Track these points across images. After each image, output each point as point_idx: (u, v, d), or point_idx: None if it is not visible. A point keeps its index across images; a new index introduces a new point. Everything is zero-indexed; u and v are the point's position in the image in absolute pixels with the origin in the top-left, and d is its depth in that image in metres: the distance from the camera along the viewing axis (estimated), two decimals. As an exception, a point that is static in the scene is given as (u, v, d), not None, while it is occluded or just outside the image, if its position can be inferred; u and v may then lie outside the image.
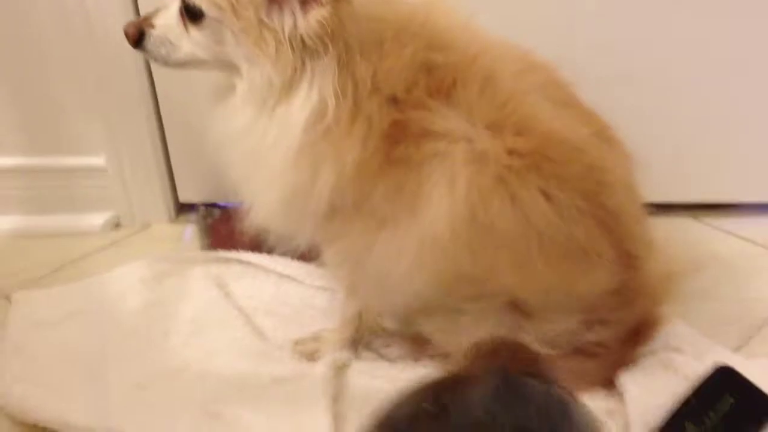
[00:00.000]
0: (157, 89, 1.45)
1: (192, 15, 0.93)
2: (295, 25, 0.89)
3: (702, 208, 1.51)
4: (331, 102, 0.92)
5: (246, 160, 1.01)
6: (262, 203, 1.01)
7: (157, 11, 0.97)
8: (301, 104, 0.93)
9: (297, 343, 1.21)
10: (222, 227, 1.52)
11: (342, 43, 0.91)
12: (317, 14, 0.88)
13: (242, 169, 1.02)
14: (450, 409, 0.47)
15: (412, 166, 0.93)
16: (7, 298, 1.34)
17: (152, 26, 0.97)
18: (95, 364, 1.18)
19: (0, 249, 1.49)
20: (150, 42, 0.97)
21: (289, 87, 0.93)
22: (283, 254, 1.41)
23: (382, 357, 1.19)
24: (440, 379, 0.55)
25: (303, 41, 0.90)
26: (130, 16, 1.33)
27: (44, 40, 1.36)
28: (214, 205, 1.58)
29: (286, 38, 0.90)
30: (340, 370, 1.16)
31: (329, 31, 0.89)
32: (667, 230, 1.16)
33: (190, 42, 0.96)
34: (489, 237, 0.93)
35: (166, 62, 0.99)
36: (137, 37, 0.97)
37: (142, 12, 1.33)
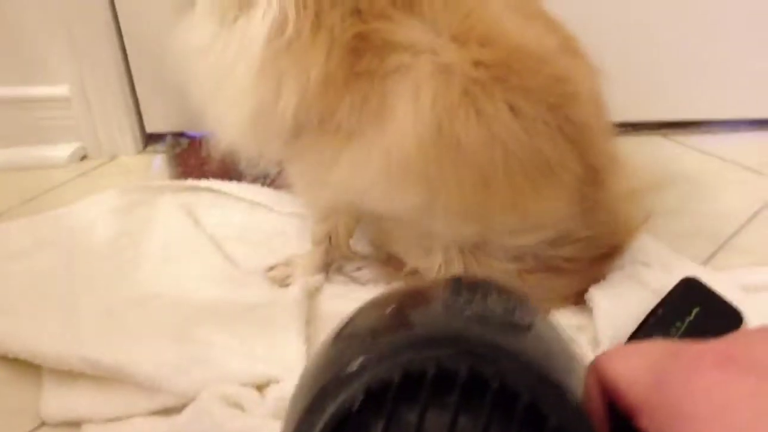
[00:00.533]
0: (119, 15, 1.41)
1: None
2: None
3: (671, 126, 1.52)
4: (291, 14, 0.90)
5: (207, 79, 1.00)
6: (226, 123, 1.00)
7: None
8: (262, 16, 0.91)
9: (269, 269, 1.21)
10: (191, 157, 1.51)
11: None
12: None
13: (204, 89, 1.01)
14: (411, 317, 0.45)
15: (377, 78, 0.92)
16: (-26, 231, 1.33)
17: None
18: (65, 293, 1.17)
19: (-36, 184, 1.47)
20: None
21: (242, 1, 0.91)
22: (254, 182, 1.41)
23: (355, 280, 1.20)
24: (400, 290, 0.54)
25: None
26: None
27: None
28: (182, 135, 1.56)
29: None
30: (312, 294, 1.16)
31: None
32: (635, 148, 1.16)
33: None
34: (455, 150, 0.92)
35: None
36: None
37: None
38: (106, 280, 1.19)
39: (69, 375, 1.02)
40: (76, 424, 0.99)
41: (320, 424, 0.38)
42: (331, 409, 0.38)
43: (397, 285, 0.76)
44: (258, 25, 0.91)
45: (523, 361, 0.38)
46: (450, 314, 0.42)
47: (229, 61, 0.94)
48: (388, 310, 0.46)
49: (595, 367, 0.38)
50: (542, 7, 1.00)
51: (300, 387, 0.43)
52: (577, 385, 0.38)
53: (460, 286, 0.45)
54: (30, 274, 1.21)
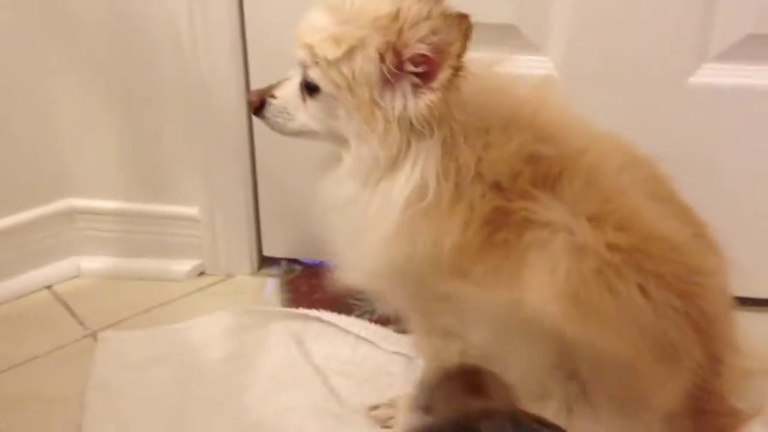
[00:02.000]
0: (256, 150, 1.51)
1: (310, 89, 0.98)
2: (405, 107, 0.92)
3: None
4: (432, 183, 0.94)
5: (347, 229, 1.04)
6: (358, 271, 1.04)
7: (279, 83, 1.02)
8: (404, 182, 0.96)
9: (372, 408, 1.23)
10: (302, 284, 1.56)
11: (448, 128, 0.94)
12: (427, 98, 0.91)
13: (343, 237, 1.06)
14: None
15: (512, 251, 0.95)
16: (94, 336, 1.40)
17: (273, 96, 1.02)
18: (177, 409, 1.22)
19: (90, 288, 1.55)
20: (269, 110, 1.02)
21: (393, 164, 0.96)
22: (361, 316, 1.44)
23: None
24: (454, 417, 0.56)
25: (411, 123, 0.93)
26: (242, 83, 1.42)
27: (161, 98, 1.44)
28: (296, 261, 1.62)
29: (396, 118, 0.93)
30: (414, 440, 1.17)
31: (437, 115, 0.92)
32: (752, 325, 1.15)
33: (305, 114, 1.00)
34: (592, 316, 0.93)
35: (282, 130, 1.03)
36: (258, 105, 1.02)
37: (252, 79, 1.42)
38: (215, 403, 1.24)
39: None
40: None
41: None
42: None
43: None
44: (400, 189, 0.96)
45: None
46: None
47: (369, 217, 0.99)
48: None
49: None
50: (676, 191, 1.02)
51: None
52: None
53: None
54: (144, 387, 1.27)
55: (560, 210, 0.94)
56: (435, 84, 0.90)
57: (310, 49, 0.94)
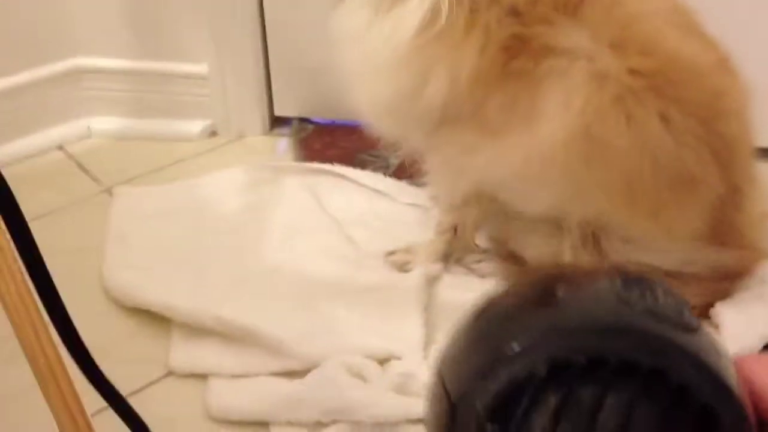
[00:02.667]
0: (264, 4, 1.47)
1: None
2: None
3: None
4: (444, 7, 0.92)
5: (357, 63, 1.03)
6: (371, 102, 1.03)
7: None
8: (415, 7, 0.94)
9: (389, 253, 1.23)
10: (315, 142, 1.55)
11: None
12: None
13: (352, 72, 1.04)
14: (561, 298, 0.46)
15: (530, 80, 0.94)
16: (109, 192, 1.40)
17: None
18: (194, 257, 1.23)
19: (101, 148, 1.55)
20: None
21: None
22: (376, 170, 1.44)
23: (473, 272, 1.21)
24: (550, 272, 0.55)
25: None
26: None
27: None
28: (308, 121, 1.60)
29: None
30: (431, 282, 1.18)
31: None
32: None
33: None
34: (601, 152, 0.93)
35: None
36: None
37: None
38: (232, 251, 1.24)
39: (198, 330, 1.07)
40: (202, 376, 1.03)
41: (494, 389, 0.39)
42: (505, 376, 0.39)
43: (555, 265, 0.77)
44: (411, 14, 0.94)
45: (700, 361, 0.39)
46: (625, 306, 0.43)
47: (379, 44, 0.98)
48: (561, 291, 0.47)
49: (740, 371, 0.39)
50: (700, 23, 1.00)
51: (466, 349, 0.45)
52: (738, 387, 0.40)
53: (629, 279, 0.46)
54: (162, 236, 1.27)
55: (581, 36, 0.92)
56: None
57: None
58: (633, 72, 0.92)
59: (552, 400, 0.38)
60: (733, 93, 0.98)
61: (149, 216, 1.32)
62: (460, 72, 0.94)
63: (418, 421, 0.94)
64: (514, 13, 0.93)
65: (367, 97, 1.04)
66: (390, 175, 1.42)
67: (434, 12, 0.93)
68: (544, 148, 0.93)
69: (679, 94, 0.93)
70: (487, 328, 0.46)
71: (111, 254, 1.24)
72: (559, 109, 0.93)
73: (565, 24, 0.93)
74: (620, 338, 0.39)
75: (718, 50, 1.00)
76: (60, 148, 1.53)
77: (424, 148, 1.11)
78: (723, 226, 1.03)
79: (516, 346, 0.41)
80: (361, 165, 1.45)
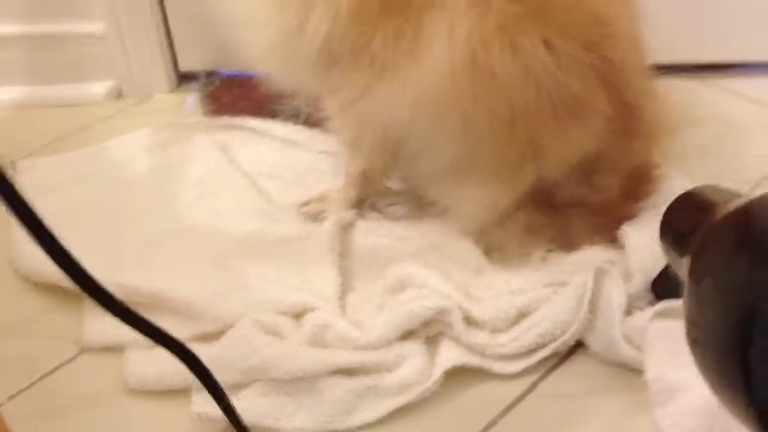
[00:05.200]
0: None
1: None
2: None
3: (708, 69, 1.50)
4: None
5: (235, 4, 1.01)
6: (256, 47, 1.01)
7: None
8: None
9: (302, 204, 1.23)
10: (224, 95, 1.52)
11: None
12: None
13: (234, 14, 1.02)
14: None
15: (412, 12, 0.92)
16: (14, 165, 1.35)
17: None
18: (104, 225, 1.20)
19: (3, 119, 1.50)
20: None
21: None
22: (287, 120, 1.41)
23: (387, 216, 1.21)
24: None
25: None
26: None
27: None
28: (215, 74, 1.56)
29: None
30: (345, 229, 1.17)
31: None
32: (671, 90, 1.15)
33: None
34: (489, 82, 0.92)
35: None
36: None
37: None
38: (144, 214, 1.22)
39: (110, 302, 1.05)
40: (117, 349, 1.01)
41: None
42: None
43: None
44: None
45: None
46: None
47: None
48: None
49: None
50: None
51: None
52: None
53: None
54: (70, 206, 1.24)
55: None
56: None
57: None
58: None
59: None
60: (616, 15, 0.97)
61: (56, 187, 1.29)
62: (339, 8, 0.92)
63: (337, 371, 0.94)
64: None
65: (251, 42, 1.02)
66: (302, 124, 1.40)
67: None
68: (431, 81, 0.92)
69: (560, 19, 0.92)
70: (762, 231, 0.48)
71: (18, 229, 1.20)
72: (443, 40, 0.91)
73: None
74: None
75: None
76: (-43, 122, 1.48)
77: (320, 94, 1.09)
78: (621, 142, 1.04)
79: None
80: (272, 115, 1.43)
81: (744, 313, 0.45)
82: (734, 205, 0.53)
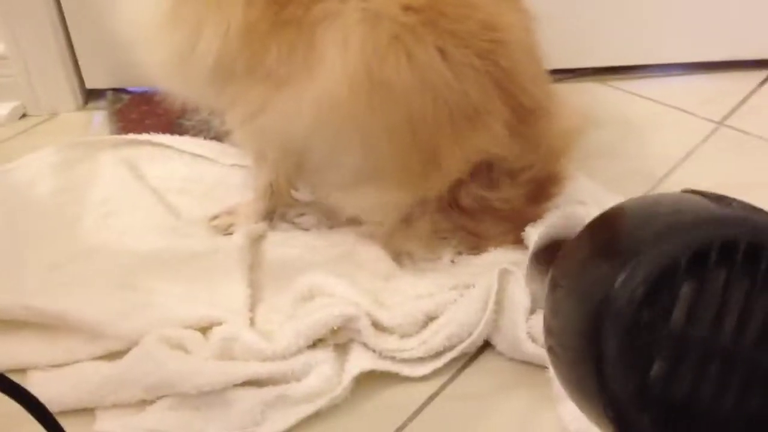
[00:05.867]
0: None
1: None
2: None
3: (607, 71, 1.54)
4: None
5: (127, 22, 1.00)
6: (151, 65, 1.01)
7: None
8: None
9: (212, 218, 1.22)
10: (132, 112, 1.50)
11: None
12: None
13: (128, 31, 1.01)
14: (669, 211, 0.53)
15: (304, 27, 0.92)
16: None
17: None
18: (8, 248, 1.17)
19: None
20: None
21: None
22: (196, 135, 1.40)
23: (298, 227, 1.21)
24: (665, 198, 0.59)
25: None
26: None
27: None
28: (123, 91, 1.54)
29: None
30: (255, 241, 1.17)
31: None
32: (572, 93, 1.18)
33: None
34: (385, 93, 0.93)
35: None
36: None
37: None
38: (49, 236, 1.19)
39: (13, 324, 1.02)
40: (21, 370, 0.99)
41: (640, 276, 0.47)
42: (649, 266, 0.47)
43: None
44: None
45: None
46: (727, 206, 0.51)
47: (141, 9, 0.95)
48: (662, 209, 0.52)
49: None
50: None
51: (601, 246, 0.53)
52: None
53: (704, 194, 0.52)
54: (-30, 230, 1.20)
55: None
56: None
57: None
58: (406, 8, 0.92)
59: (690, 288, 0.47)
60: (508, 22, 0.99)
61: (-44, 211, 1.25)
62: (229, 27, 0.93)
63: (245, 384, 0.94)
64: None
65: (147, 61, 1.01)
66: (211, 138, 1.40)
67: None
68: (327, 94, 0.93)
69: (453, 28, 0.94)
70: (615, 234, 0.52)
71: None
72: (337, 52, 0.92)
73: None
74: (741, 227, 0.48)
75: None
76: None
77: (220, 109, 1.09)
78: (521, 144, 1.05)
79: (658, 241, 0.48)
80: (181, 131, 1.42)
81: (594, 315, 0.48)
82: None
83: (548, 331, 0.56)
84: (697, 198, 0.54)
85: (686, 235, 0.48)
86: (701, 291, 0.47)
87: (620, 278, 0.48)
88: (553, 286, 0.56)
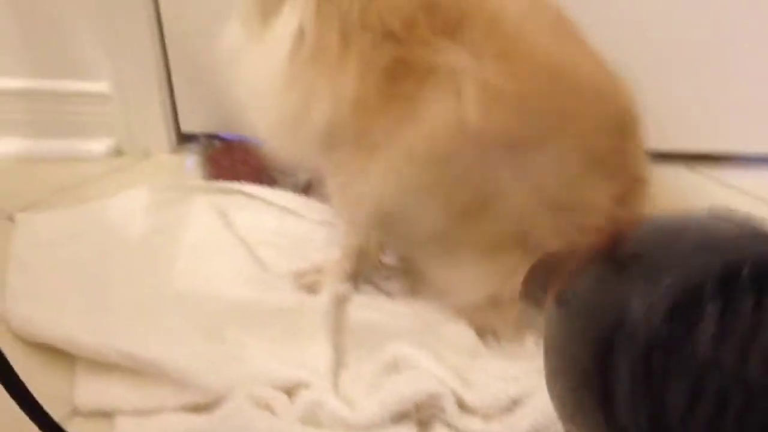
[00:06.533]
0: (162, 15, 1.45)
1: None
2: None
3: (697, 158, 1.53)
4: (311, 27, 0.93)
5: (241, 83, 1.03)
6: (260, 124, 1.04)
7: None
8: (282, 29, 0.95)
9: (298, 274, 1.23)
10: (223, 158, 1.53)
11: None
12: None
13: (240, 93, 1.04)
14: (694, 229, 0.50)
15: (414, 101, 0.94)
16: (11, 218, 1.36)
17: None
18: (99, 285, 1.20)
19: (2, 171, 1.50)
20: None
21: (268, 10, 0.96)
22: (285, 187, 1.43)
23: (382, 291, 1.22)
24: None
25: None
26: None
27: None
28: (216, 137, 1.58)
29: None
30: (340, 302, 1.18)
31: None
32: (659, 178, 1.18)
33: None
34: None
35: None
36: None
37: None
38: (139, 276, 1.22)
39: (103, 365, 1.05)
40: (108, 414, 1.01)
41: (662, 293, 0.43)
42: (673, 284, 0.43)
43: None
44: (280, 37, 0.95)
45: None
46: (760, 228, 0.48)
47: (258, 69, 0.98)
48: (689, 232, 0.49)
49: None
50: (583, 36, 1.02)
51: (611, 277, 0.47)
52: None
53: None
54: (64, 264, 1.24)
55: (463, 54, 0.93)
56: None
57: None
58: (512, 76, 0.94)
59: (716, 309, 0.42)
60: (623, 104, 1.00)
61: (52, 243, 1.29)
62: (342, 98, 0.95)
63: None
64: (393, 38, 0.94)
65: (256, 119, 1.04)
66: (299, 192, 1.42)
67: (301, 33, 0.94)
68: (417, 160, 0.95)
69: (563, 107, 0.95)
70: (636, 250, 0.48)
71: (12, 285, 1.20)
72: (449, 104, 0.94)
73: (445, 45, 0.94)
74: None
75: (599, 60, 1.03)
76: (-42, 172, 1.49)
77: (321, 171, 1.11)
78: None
79: (683, 258, 0.43)
80: (270, 181, 1.44)
81: (605, 334, 0.45)
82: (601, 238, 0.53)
83: (547, 351, 0.52)
84: (727, 218, 0.51)
85: (715, 254, 0.44)
86: (728, 313, 0.42)
87: (639, 295, 0.43)
88: (559, 302, 0.52)
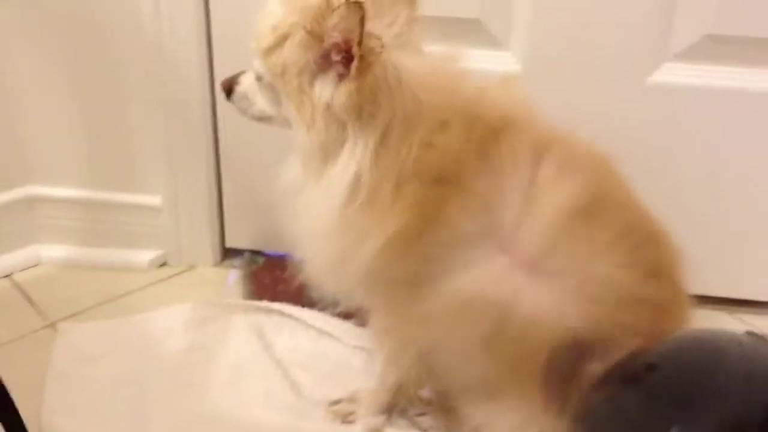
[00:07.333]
0: (219, 139, 1.51)
1: (258, 77, 1.02)
2: (331, 96, 0.94)
3: (737, 304, 1.52)
4: (366, 179, 0.95)
5: (298, 217, 1.06)
6: (312, 262, 1.06)
7: (244, 71, 1.06)
8: (340, 175, 0.97)
9: (333, 402, 1.23)
10: (265, 275, 1.56)
11: (384, 122, 0.94)
12: (345, 87, 0.92)
13: (296, 225, 1.07)
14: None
15: (455, 243, 0.96)
16: (53, 326, 1.38)
17: (238, 83, 1.07)
18: (136, 401, 1.21)
19: (49, 277, 1.54)
20: (235, 96, 1.08)
21: (327, 154, 0.98)
22: (323, 309, 1.44)
23: (415, 425, 1.21)
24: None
25: (341, 112, 0.94)
26: (206, 71, 1.43)
27: (124, 85, 1.44)
28: (259, 253, 1.61)
29: (322, 106, 0.95)
30: (373, 434, 1.18)
31: (357, 104, 0.92)
32: (698, 322, 1.17)
33: (261, 99, 1.05)
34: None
35: (245, 114, 1.09)
36: (227, 91, 1.08)
37: (216, 67, 1.43)
38: (176, 395, 1.23)
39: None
40: None
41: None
42: (715, 420, 0.43)
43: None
44: (337, 182, 0.97)
45: None
46: None
47: (314, 210, 1.01)
48: (745, 354, 0.48)
49: None
50: (633, 192, 1.03)
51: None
52: None
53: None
54: (103, 378, 1.26)
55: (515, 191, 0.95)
56: (349, 72, 0.91)
57: (257, 38, 0.98)
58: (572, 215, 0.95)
59: None
60: (654, 232, 1.01)
61: (92, 356, 1.31)
62: (389, 238, 0.96)
63: None
64: (443, 182, 0.95)
65: (306, 255, 1.06)
66: (337, 315, 1.43)
67: (358, 182, 0.96)
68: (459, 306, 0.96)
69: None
70: (673, 376, 0.46)
71: (50, 395, 1.22)
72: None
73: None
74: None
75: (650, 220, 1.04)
76: (7, 276, 1.52)
77: (367, 309, 1.12)
78: None
79: (725, 393, 0.42)
80: (310, 302, 1.45)
81: None
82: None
83: None
84: (763, 344, 0.49)
85: (759, 393, 0.43)
86: None
87: (678, 427, 0.43)
88: (583, 418, 0.50)
